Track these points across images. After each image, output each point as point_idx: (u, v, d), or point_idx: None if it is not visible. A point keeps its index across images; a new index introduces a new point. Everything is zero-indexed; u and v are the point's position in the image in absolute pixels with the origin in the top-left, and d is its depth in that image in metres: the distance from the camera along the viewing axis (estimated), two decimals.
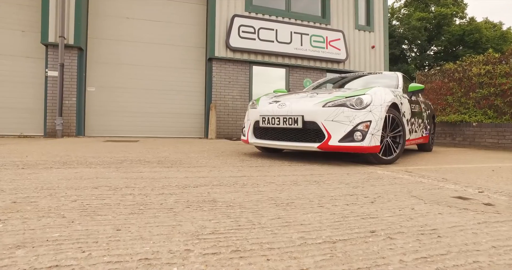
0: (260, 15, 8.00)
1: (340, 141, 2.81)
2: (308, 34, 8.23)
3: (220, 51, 7.64)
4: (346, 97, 2.96)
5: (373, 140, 2.83)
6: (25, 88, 6.78)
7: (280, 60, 8.12)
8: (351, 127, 2.82)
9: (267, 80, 8.21)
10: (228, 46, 7.59)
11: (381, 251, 0.88)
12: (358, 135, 2.81)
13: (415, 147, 5.49)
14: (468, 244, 0.95)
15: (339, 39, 8.52)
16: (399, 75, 4.28)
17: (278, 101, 3.30)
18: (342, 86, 4.53)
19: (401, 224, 1.14)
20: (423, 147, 5.13)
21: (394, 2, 25.55)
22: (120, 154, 3.46)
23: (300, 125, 2.96)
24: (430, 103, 5.33)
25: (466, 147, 6.46)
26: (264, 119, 3.28)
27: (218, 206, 1.35)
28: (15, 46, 6.77)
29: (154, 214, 1.21)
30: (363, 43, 9.04)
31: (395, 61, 21.91)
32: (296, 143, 3.01)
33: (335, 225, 1.12)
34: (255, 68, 8.07)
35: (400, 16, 24.37)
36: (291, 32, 8.09)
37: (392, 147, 3.20)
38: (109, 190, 1.63)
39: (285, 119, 3.07)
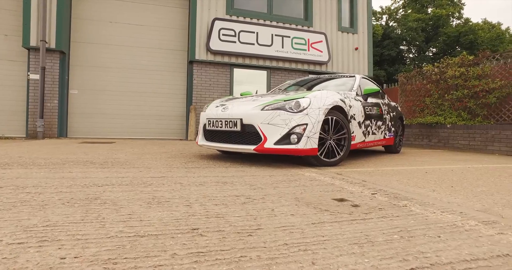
0: (241, 18, 8.11)
1: (275, 143, 2.90)
2: (289, 37, 8.32)
3: (200, 54, 7.77)
4: (285, 101, 3.05)
5: (309, 142, 2.92)
6: (8, 90, 6.99)
7: (261, 63, 8.22)
8: (287, 130, 2.91)
9: (249, 82, 8.32)
10: (208, 49, 7.72)
11: (172, 246, 0.98)
12: (293, 137, 2.90)
13: (383, 148, 5.54)
14: (267, 242, 1.05)
15: (321, 41, 8.60)
16: (357, 77, 4.35)
17: (224, 105, 3.41)
18: (307, 88, 4.61)
19: (233, 224, 1.23)
20: (389, 149, 5.18)
21: (392, 3, 25.53)
22: (76, 155, 3.60)
23: (239, 128, 3.06)
24: (396, 105, 5.38)
25: (440, 148, 6.48)
26: (210, 122, 3.39)
27: (92, 203, 1.46)
28: None
29: (20, 210, 1.33)
30: (346, 45, 9.10)
31: (392, 62, 21.88)
32: (236, 145, 3.11)
33: (170, 222, 1.22)
34: (236, 71, 8.18)
35: (398, 17, 24.31)
36: (272, 34, 8.19)
37: (336, 150, 3.28)
38: (12, 189, 1.75)
39: (226, 122, 3.17)
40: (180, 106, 8.22)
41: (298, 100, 3.02)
